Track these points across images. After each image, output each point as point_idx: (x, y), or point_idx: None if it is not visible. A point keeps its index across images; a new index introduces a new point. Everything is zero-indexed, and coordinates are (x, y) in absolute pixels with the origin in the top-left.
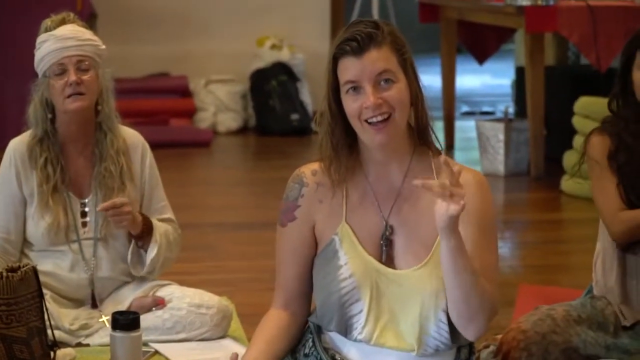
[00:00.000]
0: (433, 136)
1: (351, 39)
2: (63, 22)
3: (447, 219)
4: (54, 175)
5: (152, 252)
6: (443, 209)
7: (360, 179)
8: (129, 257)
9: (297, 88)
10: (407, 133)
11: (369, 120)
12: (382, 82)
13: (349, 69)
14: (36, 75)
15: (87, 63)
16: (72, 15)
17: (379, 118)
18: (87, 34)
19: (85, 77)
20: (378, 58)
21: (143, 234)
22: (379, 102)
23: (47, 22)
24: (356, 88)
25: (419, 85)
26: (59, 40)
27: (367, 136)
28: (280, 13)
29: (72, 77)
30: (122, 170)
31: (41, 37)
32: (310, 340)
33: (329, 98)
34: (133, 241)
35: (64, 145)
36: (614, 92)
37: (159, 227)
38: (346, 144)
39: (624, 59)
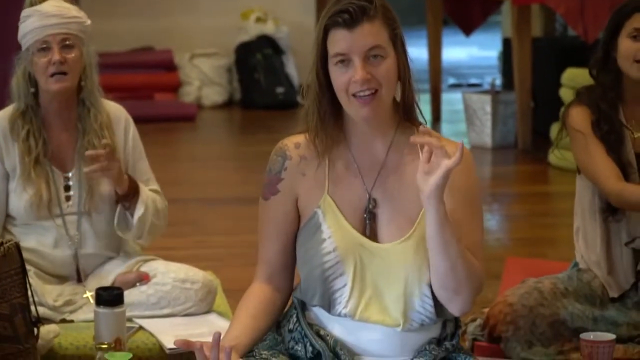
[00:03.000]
0: (418, 112)
1: (344, 10)
2: None
3: (434, 185)
4: (36, 148)
5: (139, 212)
6: (429, 176)
7: (344, 151)
8: (116, 219)
9: (282, 61)
10: (392, 108)
11: (355, 94)
12: (372, 58)
13: (340, 41)
14: (13, 51)
15: (71, 41)
16: None
17: (366, 92)
18: (72, 10)
19: (69, 55)
20: (370, 32)
21: (129, 195)
22: (368, 77)
23: None
24: (345, 61)
25: (407, 61)
26: (43, 17)
27: (353, 109)
28: None
29: (56, 56)
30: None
31: (25, 12)
32: (295, 316)
33: (317, 68)
34: (120, 204)
35: (47, 118)
36: (595, 58)
37: (145, 191)
38: (332, 114)
39: (612, 25)
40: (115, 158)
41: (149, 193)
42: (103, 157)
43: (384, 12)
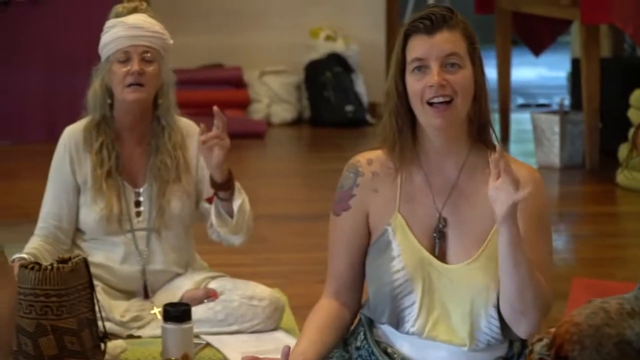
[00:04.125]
0: (492, 134)
1: (425, 17)
2: (135, 10)
3: (511, 205)
4: (108, 160)
5: (237, 202)
6: (504, 195)
7: (417, 170)
8: (213, 214)
9: (351, 79)
10: (466, 126)
11: (430, 101)
12: (449, 65)
13: (418, 46)
14: (86, 64)
15: (151, 55)
16: (144, 4)
17: (441, 99)
18: (156, 26)
19: (148, 68)
20: (448, 39)
21: (226, 184)
22: (443, 83)
23: (119, 7)
24: (422, 67)
25: (484, 78)
26: (128, 28)
27: (427, 119)
28: (334, 4)
29: (135, 66)
30: (179, 164)
31: (110, 22)
32: (362, 333)
33: (395, 77)
34: (215, 200)
35: (121, 132)
36: None
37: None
38: (409, 126)
39: None
40: (226, 135)
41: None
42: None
43: (464, 26)
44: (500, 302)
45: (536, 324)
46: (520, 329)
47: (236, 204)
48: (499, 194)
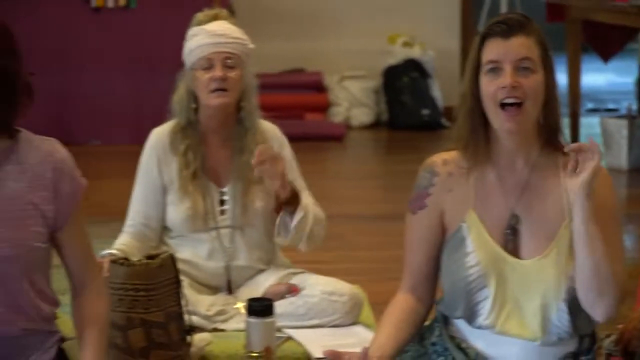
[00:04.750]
0: (562, 136)
1: (502, 22)
2: (215, 17)
3: (583, 182)
4: (194, 162)
5: (298, 216)
6: (577, 175)
7: (489, 169)
8: (276, 227)
9: (427, 84)
10: (536, 128)
11: (503, 102)
12: (522, 69)
13: (494, 49)
14: (172, 69)
15: (233, 61)
16: (224, 12)
17: (512, 100)
18: (237, 32)
19: (230, 74)
20: (523, 44)
21: (290, 201)
22: (515, 85)
23: (200, 15)
24: (496, 69)
25: (555, 84)
26: (209, 35)
27: (498, 121)
28: (411, 11)
29: (218, 72)
30: None
31: (192, 30)
32: (438, 329)
33: (471, 79)
34: (281, 212)
35: (205, 135)
36: None
37: (306, 199)
38: (482, 127)
39: None
40: (280, 159)
41: (310, 201)
42: (269, 155)
43: (538, 33)
44: (577, 285)
45: (613, 304)
46: (598, 312)
47: (296, 219)
48: (573, 176)
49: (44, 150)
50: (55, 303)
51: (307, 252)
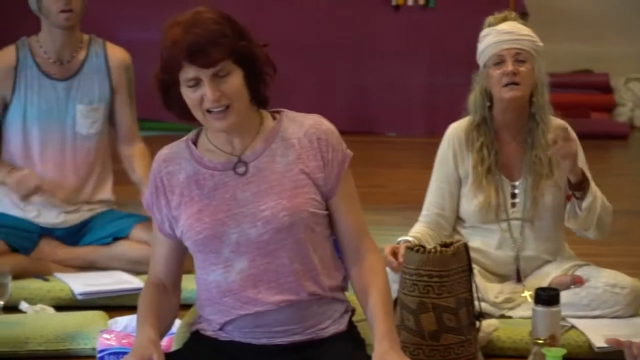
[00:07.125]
0: None
1: None
2: (504, 19)
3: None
4: (488, 158)
5: (587, 201)
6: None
7: None
8: (567, 211)
9: None
10: None
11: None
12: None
13: None
14: (466, 67)
15: (523, 56)
16: (513, 14)
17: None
18: (525, 30)
19: (521, 68)
20: None
21: (581, 184)
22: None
23: (490, 18)
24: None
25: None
26: (500, 33)
27: None
28: None
29: (509, 67)
30: (551, 159)
31: (484, 31)
32: None
33: None
34: (571, 198)
35: (498, 131)
36: None
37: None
38: None
39: None
40: (572, 140)
41: (598, 190)
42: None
43: None
44: None
45: None
46: None
47: (585, 203)
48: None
49: (306, 124)
50: (341, 271)
51: (587, 246)
